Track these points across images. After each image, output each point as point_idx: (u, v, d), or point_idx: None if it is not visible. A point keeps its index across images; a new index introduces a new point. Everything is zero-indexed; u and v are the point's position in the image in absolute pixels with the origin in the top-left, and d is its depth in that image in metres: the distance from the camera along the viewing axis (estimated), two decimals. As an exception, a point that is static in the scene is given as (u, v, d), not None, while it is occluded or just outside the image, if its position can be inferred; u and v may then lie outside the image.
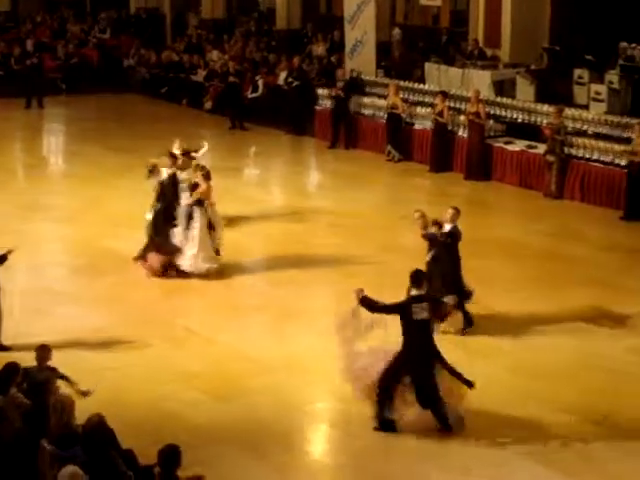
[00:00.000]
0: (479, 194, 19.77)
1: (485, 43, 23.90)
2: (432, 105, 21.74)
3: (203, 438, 10.18)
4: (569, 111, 20.06)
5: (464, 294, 12.67)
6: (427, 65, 24.03)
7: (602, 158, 18.86)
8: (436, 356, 10.28)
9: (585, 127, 19.98)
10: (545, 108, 20.53)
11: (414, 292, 10.29)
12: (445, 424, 10.31)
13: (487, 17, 24.01)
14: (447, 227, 12.69)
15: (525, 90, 21.61)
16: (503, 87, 22.31)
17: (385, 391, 10.26)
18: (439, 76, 23.36)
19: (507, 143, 20.62)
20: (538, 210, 18.66)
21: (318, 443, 10.74)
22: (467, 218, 18.46)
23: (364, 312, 10.36)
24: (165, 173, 14.85)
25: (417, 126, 22.20)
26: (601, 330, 13.00)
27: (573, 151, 19.27)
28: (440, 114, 21.24)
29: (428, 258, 12.62)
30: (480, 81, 22.24)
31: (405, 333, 10.18)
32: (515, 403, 10.99)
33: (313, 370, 11.95)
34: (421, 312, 10.12)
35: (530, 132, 20.60)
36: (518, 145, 20.40)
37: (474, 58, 23.48)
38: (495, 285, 14.25)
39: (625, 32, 21.59)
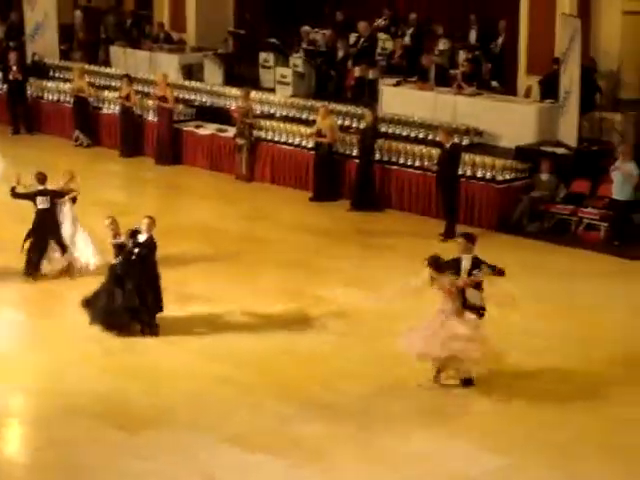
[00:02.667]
0: (171, 178, 19.63)
1: (171, 27, 23.78)
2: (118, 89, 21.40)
3: None
4: (256, 94, 20.33)
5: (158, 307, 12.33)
6: (112, 48, 23.60)
7: (290, 140, 19.24)
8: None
9: (272, 110, 20.34)
10: (233, 91, 20.71)
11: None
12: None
13: (172, 0, 23.91)
14: (142, 238, 12.13)
15: (213, 74, 21.71)
16: (191, 71, 22.31)
17: None
18: (125, 59, 23.02)
19: (197, 127, 20.59)
20: (230, 193, 18.76)
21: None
22: (161, 203, 18.43)
23: None
24: None
25: (105, 110, 21.74)
26: (302, 309, 13.22)
27: (262, 134, 19.53)
28: (127, 98, 20.91)
29: (115, 261, 12.29)
30: (168, 65, 22.15)
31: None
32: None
33: None
34: None
35: (220, 116, 20.68)
36: (208, 129, 20.42)
37: (160, 41, 23.30)
38: (193, 270, 14.19)
39: (307, 16, 22.20)
